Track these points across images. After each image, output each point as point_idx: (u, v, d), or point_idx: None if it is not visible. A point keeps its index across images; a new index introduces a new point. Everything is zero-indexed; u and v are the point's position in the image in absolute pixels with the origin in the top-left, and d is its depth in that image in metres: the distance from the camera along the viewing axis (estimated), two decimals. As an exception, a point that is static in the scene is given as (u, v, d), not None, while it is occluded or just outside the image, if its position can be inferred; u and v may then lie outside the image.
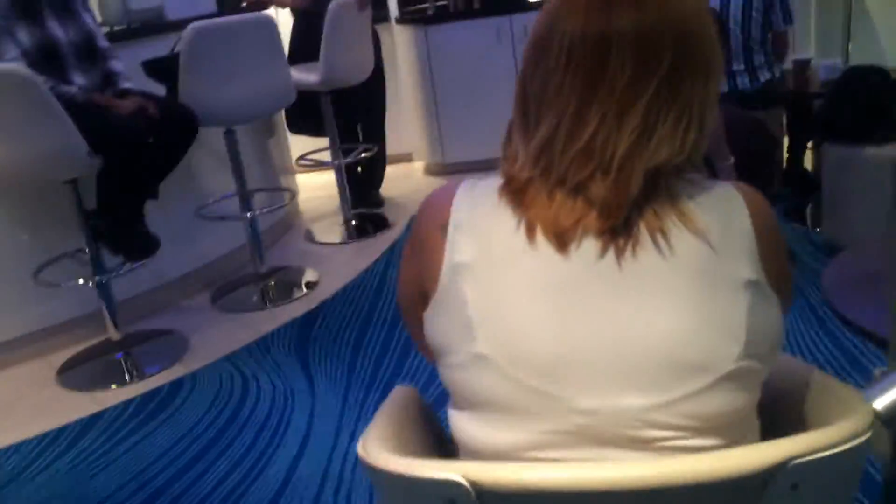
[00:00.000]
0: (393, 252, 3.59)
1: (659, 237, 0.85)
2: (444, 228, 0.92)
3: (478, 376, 0.88)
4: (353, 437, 2.25)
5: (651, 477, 0.73)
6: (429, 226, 0.94)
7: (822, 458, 0.74)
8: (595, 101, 0.86)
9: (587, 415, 0.84)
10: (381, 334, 2.85)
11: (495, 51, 4.41)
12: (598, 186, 0.85)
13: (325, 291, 3.27)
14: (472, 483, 0.75)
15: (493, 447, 0.89)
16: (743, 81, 3.49)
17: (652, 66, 0.85)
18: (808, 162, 3.67)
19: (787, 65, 3.61)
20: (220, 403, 2.53)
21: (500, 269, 0.88)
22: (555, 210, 0.87)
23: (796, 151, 3.65)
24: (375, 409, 2.34)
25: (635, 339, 0.83)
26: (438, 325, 0.92)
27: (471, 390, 0.89)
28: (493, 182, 0.94)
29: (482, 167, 4.55)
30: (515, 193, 0.90)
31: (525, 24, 4.37)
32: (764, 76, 3.50)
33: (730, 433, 0.87)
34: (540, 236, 0.87)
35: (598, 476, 0.74)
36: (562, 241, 0.86)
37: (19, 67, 2.30)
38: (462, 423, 0.92)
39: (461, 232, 0.91)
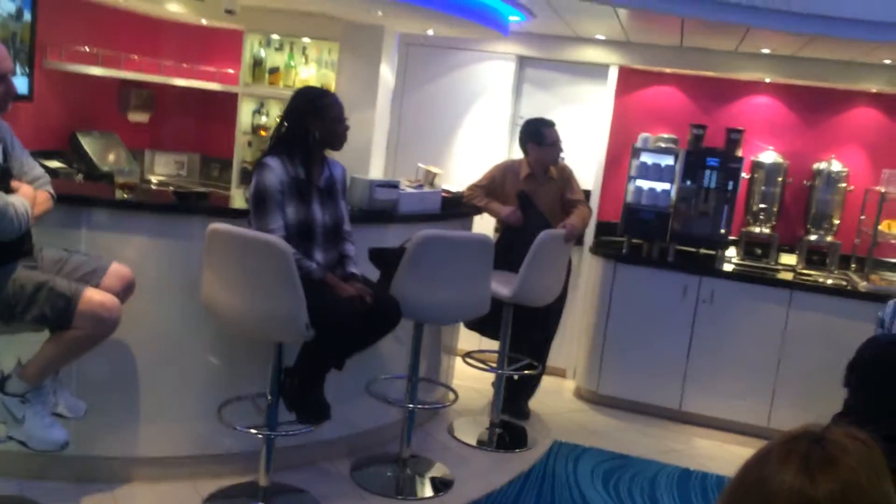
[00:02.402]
0: (528, 478, 3.60)
1: None
2: None
3: None
4: None
5: None
6: None
7: None
8: None
9: None
10: (501, 570, 2.83)
11: (677, 306, 4.51)
12: None
13: (456, 499, 3.31)
14: None
15: None
16: None
17: None
18: None
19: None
20: (335, 592, 2.59)
21: None
22: None
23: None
24: None
25: None
26: None
27: None
28: None
29: (633, 408, 4.57)
30: None
31: (713, 289, 4.46)
32: None
33: None
34: None
35: None
36: None
37: (280, 241, 2.64)
38: None
39: None
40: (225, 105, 5.27)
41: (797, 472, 0.95)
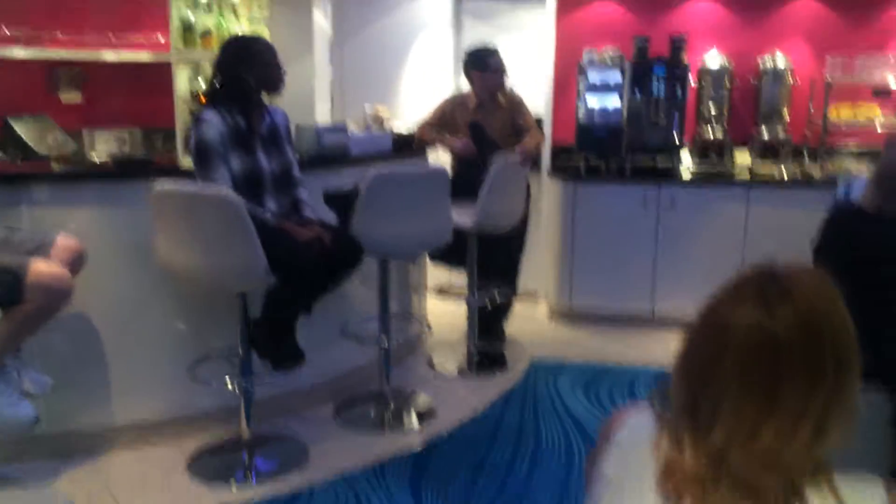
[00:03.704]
0: (510, 397, 3.65)
1: None
2: (609, 439, 1.10)
3: None
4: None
5: None
6: (605, 430, 1.14)
7: None
8: (770, 418, 0.93)
9: None
10: (492, 484, 2.88)
11: (639, 216, 4.54)
12: (771, 487, 0.94)
13: (441, 426, 3.36)
14: None
15: None
16: None
17: (819, 378, 0.93)
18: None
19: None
20: (332, 526, 2.62)
21: (633, 499, 1.02)
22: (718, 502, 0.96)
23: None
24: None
25: None
26: None
27: None
28: (653, 428, 1.06)
29: (607, 320, 4.63)
30: (671, 477, 1.00)
31: (673, 196, 4.49)
32: None
33: None
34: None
35: None
36: None
37: (228, 192, 2.60)
38: None
39: (617, 450, 1.08)
40: (160, 75, 5.12)
41: (754, 307, 0.96)
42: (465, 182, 3.92)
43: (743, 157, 4.88)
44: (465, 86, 4.39)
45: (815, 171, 4.51)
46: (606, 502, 1.06)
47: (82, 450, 2.99)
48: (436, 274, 4.43)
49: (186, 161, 3.41)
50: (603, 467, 1.09)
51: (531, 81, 4.99)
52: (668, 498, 0.99)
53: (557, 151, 5.06)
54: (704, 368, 0.98)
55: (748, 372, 0.94)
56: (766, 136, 4.79)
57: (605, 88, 4.80)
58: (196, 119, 2.84)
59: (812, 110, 4.76)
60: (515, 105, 4.28)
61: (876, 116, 4.60)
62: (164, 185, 2.70)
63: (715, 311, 1.00)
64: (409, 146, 4.05)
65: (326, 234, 2.85)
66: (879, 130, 4.55)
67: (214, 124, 2.79)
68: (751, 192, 4.47)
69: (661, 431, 1.05)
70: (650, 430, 1.07)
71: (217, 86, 2.92)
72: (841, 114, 4.66)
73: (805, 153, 4.82)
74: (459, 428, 3.34)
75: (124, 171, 3.08)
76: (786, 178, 4.52)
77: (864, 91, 4.65)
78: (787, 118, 4.83)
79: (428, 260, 4.40)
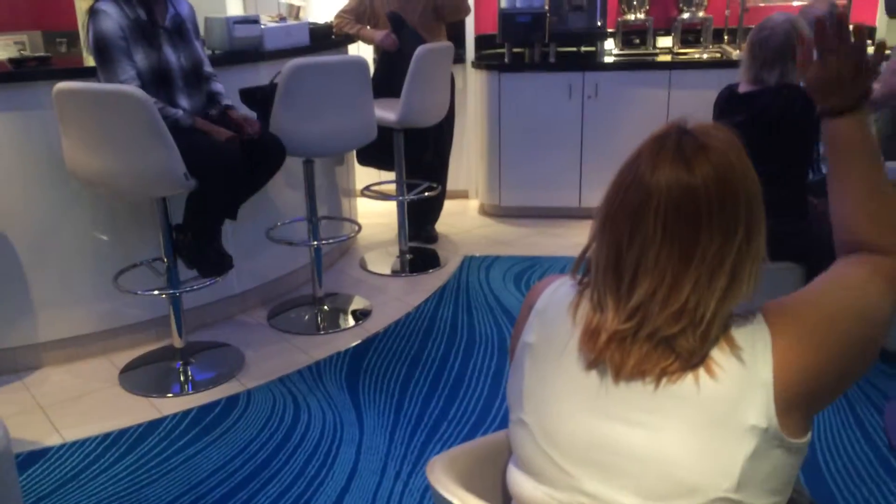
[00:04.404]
0: (443, 293, 3.69)
1: (698, 373, 0.98)
2: (531, 308, 1.15)
3: (519, 436, 1.09)
4: (399, 477, 2.34)
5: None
6: (526, 301, 1.18)
7: None
8: (689, 270, 0.97)
9: (589, 497, 1.01)
10: (429, 376, 2.94)
11: (565, 104, 4.52)
12: (686, 339, 0.98)
13: (377, 324, 3.38)
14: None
15: (521, 498, 1.10)
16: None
17: (734, 228, 0.97)
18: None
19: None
20: (272, 425, 2.64)
21: (554, 362, 1.07)
22: (636, 359, 1.00)
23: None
24: (420, 449, 2.46)
25: (645, 450, 0.98)
26: (510, 382, 1.16)
27: (515, 445, 1.11)
28: (572, 293, 1.10)
29: (536, 214, 4.68)
30: (593, 338, 1.03)
31: (596, 83, 4.47)
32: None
33: None
34: (600, 365, 1.02)
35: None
36: (618, 374, 1.01)
37: (136, 90, 2.44)
38: (510, 473, 1.14)
39: (538, 317, 1.12)
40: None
41: (672, 163, 0.98)
42: (389, 77, 3.81)
43: (666, 41, 4.89)
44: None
45: (734, 51, 4.55)
46: (528, 368, 1.10)
47: (8, 369, 2.91)
48: (365, 177, 4.35)
49: (92, 61, 3.20)
50: (525, 336, 1.13)
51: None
52: (588, 358, 1.02)
53: (481, 42, 4.95)
54: (628, 224, 1.00)
55: (670, 225, 0.97)
56: (687, 18, 4.79)
57: (526, -26, 4.66)
58: (92, 11, 2.62)
59: (732, -9, 4.76)
60: (435, -11, 4.12)
61: (793, -5, 4.63)
62: (64, 84, 2.51)
63: (635, 168, 1.01)
64: (327, 38, 3.88)
65: (253, 123, 2.75)
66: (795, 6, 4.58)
67: (113, 15, 2.59)
68: (672, 75, 4.48)
69: (580, 295, 1.08)
70: (568, 295, 1.10)
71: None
72: (760, -8, 4.68)
73: (725, 34, 4.86)
74: (394, 325, 3.36)
75: (22, 71, 2.84)
76: (705, 58, 4.55)
77: (782, -31, 4.67)
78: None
79: (357, 163, 4.31)
